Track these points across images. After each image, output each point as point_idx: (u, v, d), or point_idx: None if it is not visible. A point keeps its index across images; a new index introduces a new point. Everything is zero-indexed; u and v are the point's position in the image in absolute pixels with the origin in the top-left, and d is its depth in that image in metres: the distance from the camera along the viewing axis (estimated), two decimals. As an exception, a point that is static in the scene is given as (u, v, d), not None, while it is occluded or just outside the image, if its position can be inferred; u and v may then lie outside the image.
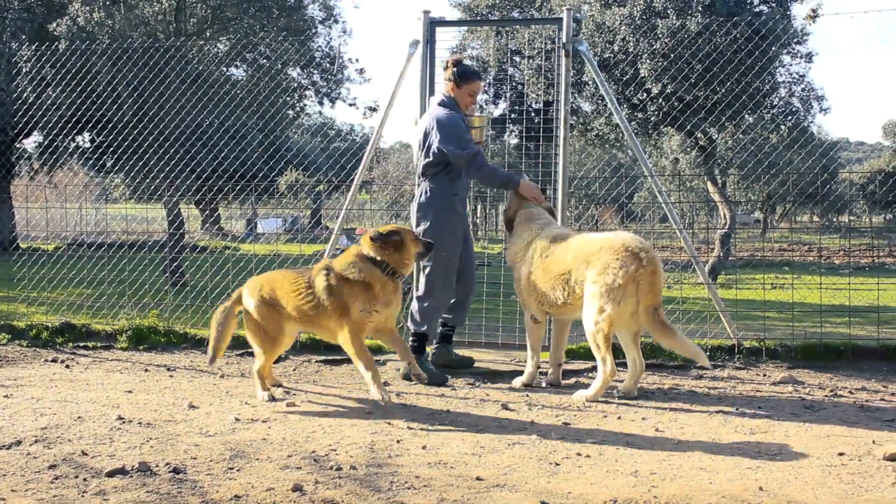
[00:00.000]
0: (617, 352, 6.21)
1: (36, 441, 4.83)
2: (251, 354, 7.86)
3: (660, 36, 13.81)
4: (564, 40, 7.53)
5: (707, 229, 18.72)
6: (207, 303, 8.94)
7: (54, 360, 7.66)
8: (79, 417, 5.39)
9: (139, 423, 5.28)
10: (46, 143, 19.11)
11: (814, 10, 11.23)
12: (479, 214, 37.64)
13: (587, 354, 6.99)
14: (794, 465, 4.47)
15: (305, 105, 19.75)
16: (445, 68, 6.90)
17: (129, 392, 6.27)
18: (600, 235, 6.19)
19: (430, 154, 6.65)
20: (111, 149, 14.17)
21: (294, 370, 7.34)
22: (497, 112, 17.46)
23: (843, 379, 6.92)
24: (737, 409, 5.81)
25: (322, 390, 6.43)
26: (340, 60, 18.57)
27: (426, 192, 6.73)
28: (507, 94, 14.24)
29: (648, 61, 14.10)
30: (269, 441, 4.89)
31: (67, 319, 8.70)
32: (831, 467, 4.44)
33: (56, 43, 11.88)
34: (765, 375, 7.05)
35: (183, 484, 4.10)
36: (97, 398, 6.02)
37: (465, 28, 16.33)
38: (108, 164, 18.27)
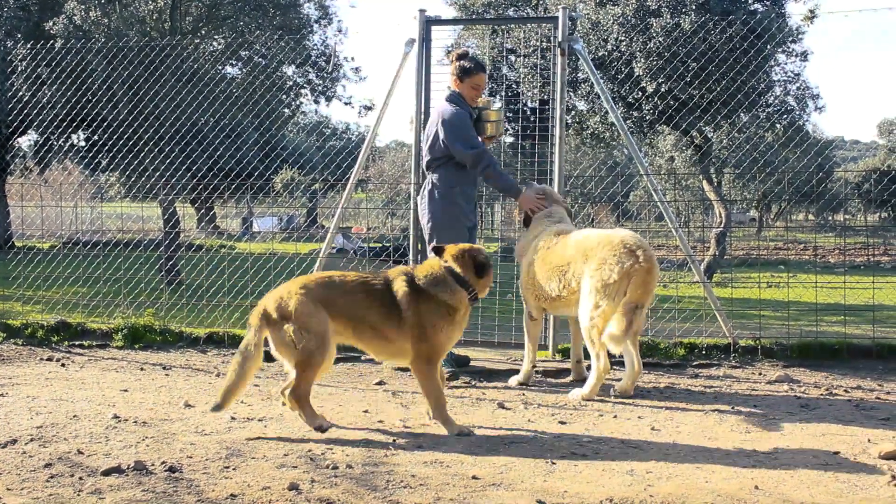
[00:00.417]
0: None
1: (31, 440, 4.82)
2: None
3: (654, 35, 13.81)
4: (560, 39, 7.53)
5: (703, 228, 18.73)
6: (203, 301, 8.93)
7: (50, 359, 7.65)
8: (74, 416, 5.38)
9: (135, 421, 5.27)
10: (42, 141, 19.07)
11: (811, 11, 11.24)
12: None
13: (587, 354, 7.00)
14: (790, 464, 4.47)
15: (301, 103, 19.71)
16: (450, 62, 6.90)
17: (125, 391, 6.26)
18: (600, 231, 6.23)
19: (436, 148, 6.67)
20: (107, 147, 14.11)
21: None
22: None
23: (838, 377, 6.94)
24: (732, 408, 5.83)
25: (318, 389, 6.43)
26: (335, 59, 18.53)
27: (429, 186, 6.76)
28: (503, 93, 14.21)
29: (643, 60, 14.10)
30: (265, 440, 4.88)
31: (63, 318, 8.68)
32: (827, 466, 4.45)
33: (52, 41, 11.83)
34: (760, 374, 7.07)
35: (179, 483, 4.10)
36: (93, 397, 6.01)
37: (461, 26, 16.31)
38: (104, 163, 18.21)
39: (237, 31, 17.05)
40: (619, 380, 6.31)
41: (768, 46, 13.57)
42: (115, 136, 11.37)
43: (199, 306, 9.05)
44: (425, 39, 7.70)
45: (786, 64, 15.73)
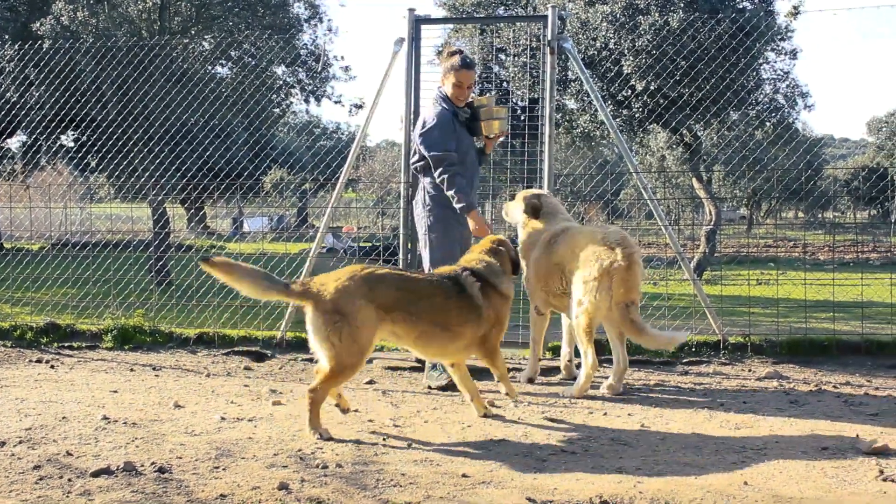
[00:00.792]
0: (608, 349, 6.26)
1: (20, 442, 4.80)
2: (238, 354, 7.85)
3: (643, 33, 13.84)
4: (550, 38, 7.54)
5: (692, 226, 18.77)
6: (193, 302, 8.91)
7: (39, 361, 7.62)
8: (63, 418, 5.36)
9: (124, 422, 5.25)
10: (30, 142, 18.98)
11: (795, 7, 11.27)
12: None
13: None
14: (779, 460, 4.49)
15: (291, 103, 19.68)
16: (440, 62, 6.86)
17: (115, 392, 6.25)
18: (589, 228, 6.27)
19: (417, 150, 6.65)
20: (95, 148, 14.07)
21: (280, 368, 7.33)
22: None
23: (827, 374, 6.96)
24: (722, 405, 5.85)
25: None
26: (325, 58, 18.51)
27: (421, 192, 6.71)
28: (492, 92, 14.22)
29: (632, 58, 14.13)
30: (255, 440, 4.88)
31: (52, 319, 8.65)
32: (815, 461, 4.47)
33: (40, 42, 11.80)
34: (750, 371, 7.09)
35: (168, 483, 4.09)
36: (82, 398, 5.99)
37: (451, 26, 16.31)
38: (93, 164, 18.14)
39: (227, 31, 17.02)
40: (606, 377, 6.32)
41: (757, 44, 13.61)
42: (104, 137, 11.33)
43: (189, 307, 9.02)
44: (415, 38, 7.70)
45: (775, 62, 15.79)
